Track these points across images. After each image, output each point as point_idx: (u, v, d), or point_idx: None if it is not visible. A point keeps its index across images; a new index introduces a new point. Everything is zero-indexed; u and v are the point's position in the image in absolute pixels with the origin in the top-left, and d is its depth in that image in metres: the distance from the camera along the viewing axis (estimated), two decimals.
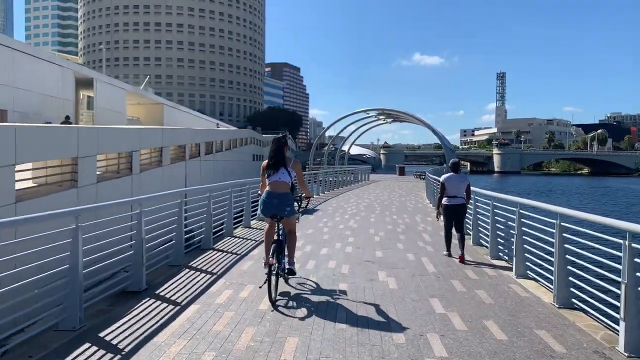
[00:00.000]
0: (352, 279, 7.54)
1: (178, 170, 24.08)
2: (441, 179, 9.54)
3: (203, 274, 7.71)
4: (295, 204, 7.14)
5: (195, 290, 6.80)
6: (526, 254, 7.70)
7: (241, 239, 11.00)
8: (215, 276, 7.59)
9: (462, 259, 8.79)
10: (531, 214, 7.79)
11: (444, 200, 9.35)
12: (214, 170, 31.32)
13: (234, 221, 11.88)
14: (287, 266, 6.58)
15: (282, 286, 6.83)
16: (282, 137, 6.86)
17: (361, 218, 15.56)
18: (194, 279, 7.42)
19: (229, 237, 11.09)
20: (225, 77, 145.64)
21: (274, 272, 6.23)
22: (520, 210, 7.86)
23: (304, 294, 6.72)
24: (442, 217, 9.57)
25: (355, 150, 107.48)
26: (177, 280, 7.30)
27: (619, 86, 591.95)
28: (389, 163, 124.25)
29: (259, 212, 6.97)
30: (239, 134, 45.83)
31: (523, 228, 7.76)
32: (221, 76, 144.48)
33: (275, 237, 6.55)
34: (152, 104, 43.18)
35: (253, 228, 12.82)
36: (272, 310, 5.89)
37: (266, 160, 6.71)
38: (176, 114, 45.18)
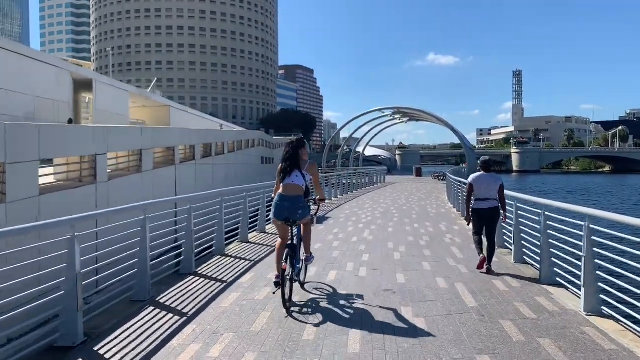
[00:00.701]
0: (368, 320, 5.64)
1: (165, 176, 21.63)
2: (469, 179, 8.45)
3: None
4: (312, 207, 6.97)
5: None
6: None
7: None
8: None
9: (488, 272, 7.85)
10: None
11: (473, 204, 8.31)
12: (212, 175, 28.99)
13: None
14: (302, 259, 6.70)
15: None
16: (298, 139, 6.77)
17: (377, 227, 13.65)
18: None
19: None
20: (237, 79, 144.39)
21: (288, 277, 6.10)
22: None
23: (320, 299, 6.55)
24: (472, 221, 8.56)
25: (370, 152, 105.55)
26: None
27: (638, 82, 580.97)
28: (405, 164, 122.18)
29: (271, 215, 6.71)
30: (245, 135, 43.35)
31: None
32: (233, 79, 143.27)
33: (289, 242, 6.37)
34: (159, 106, 41.78)
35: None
36: (286, 317, 5.71)
37: (281, 164, 6.61)
38: (183, 117, 43.67)
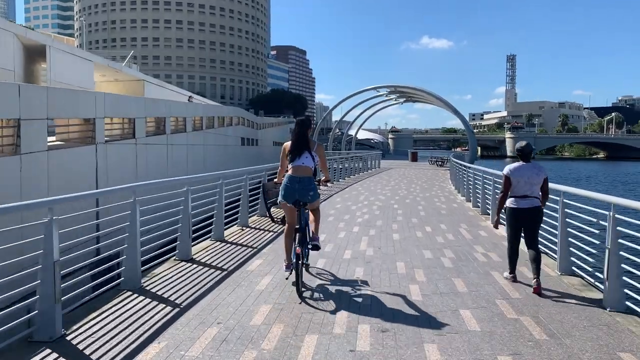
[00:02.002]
0: None
1: (73, 158, 15.19)
2: (505, 171, 6.61)
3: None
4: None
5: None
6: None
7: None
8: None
9: (537, 290, 6.02)
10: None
11: (510, 202, 6.53)
12: (167, 159, 23.20)
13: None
14: (310, 242, 6.34)
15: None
16: (306, 118, 6.62)
17: (378, 232, 10.25)
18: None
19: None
20: (227, 57, 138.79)
21: (300, 262, 5.85)
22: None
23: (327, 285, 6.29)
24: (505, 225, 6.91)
25: (362, 135, 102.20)
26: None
27: (629, 69, 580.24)
28: (398, 148, 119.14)
29: (279, 198, 6.29)
30: (219, 111, 37.59)
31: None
32: (222, 57, 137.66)
33: (298, 226, 6.07)
34: (132, 80, 38.04)
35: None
36: (300, 303, 5.48)
37: (288, 143, 6.42)
38: (162, 93, 39.85)
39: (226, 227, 9.65)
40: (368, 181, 24.98)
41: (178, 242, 7.56)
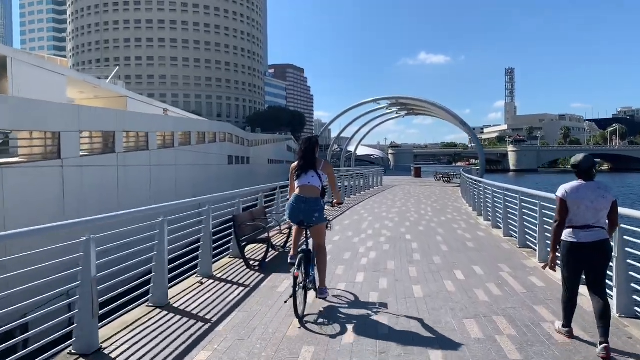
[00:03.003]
0: None
1: None
2: (559, 192, 4.92)
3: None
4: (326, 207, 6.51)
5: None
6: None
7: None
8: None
9: (606, 357, 4.35)
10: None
11: (567, 234, 4.86)
12: (119, 180, 19.00)
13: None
14: (318, 289, 6.17)
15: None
16: (313, 136, 6.53)
17: (392, 283, 7.30)
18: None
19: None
20: (223, 75, 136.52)
21: (301, 284, 5.61)
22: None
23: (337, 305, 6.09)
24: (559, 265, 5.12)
25: (362, 151, 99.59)
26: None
27: (627, 81, 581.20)
28: (398, 163, 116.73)
29: (285, 217, 6.34)
30: (198, 125, 33.62)
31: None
32: (218, 75, 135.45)
33: (304, 247, 6.04)
34: (114, 97, 35.31)
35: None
36: (299, 327, 5.25)
37: (295, 162, 6.33)
38: (147, 110, 37.11)
39: (178, 281, 7.17)
40: (371, 202, 22.12)
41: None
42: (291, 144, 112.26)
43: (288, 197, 6.48)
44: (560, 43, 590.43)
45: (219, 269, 8.16)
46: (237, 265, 8.46)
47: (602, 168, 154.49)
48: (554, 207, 5.32)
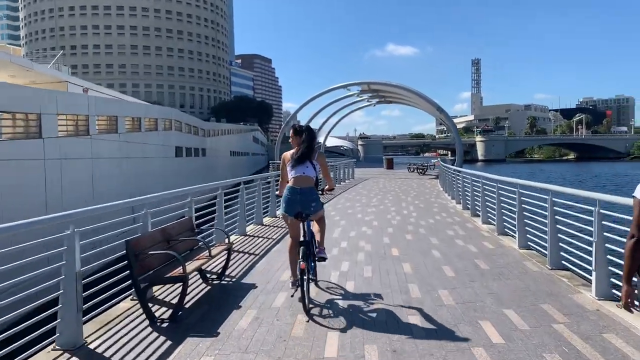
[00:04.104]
0: None
1: None
2: (638, 193, 2.91)
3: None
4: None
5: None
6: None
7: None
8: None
9: None
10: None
11: None
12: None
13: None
14: (317, 250, 6.17)
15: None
16: (311, 128, 6.45)
17: (382, 351, 4.45)
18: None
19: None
20: (186, 64, 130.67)
21: (306, 277, 5.55)
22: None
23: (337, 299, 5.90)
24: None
25: (331, 142, 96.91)
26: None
27: (588, 72, 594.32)
28: (368, 154, 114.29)
29: (281, 210, 6.06)
30: (132, 109, 27.80)
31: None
32: (181, 63, 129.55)
33: (302, 239, 5.89)
34: (53, 82, 31.43)
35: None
36: (308, 321, 5.11)
37: (288, 152, 6.19)
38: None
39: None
40: (343, 199, 19.19)
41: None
42: (258, 135, 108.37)
43: (278, 187, 6.48)
44: (525, 36, 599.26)
45: (102, 326, 5.13)
46: (134, 316, 5.39)
47: (569, 157, 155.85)
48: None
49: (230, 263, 7.58)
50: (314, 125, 61.29)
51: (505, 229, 10.42)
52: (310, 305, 5.51)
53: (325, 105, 43.75)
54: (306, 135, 6.09)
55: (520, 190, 9.06)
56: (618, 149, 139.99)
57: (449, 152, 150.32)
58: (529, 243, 8.89)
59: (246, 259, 8.37)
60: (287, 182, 6.03)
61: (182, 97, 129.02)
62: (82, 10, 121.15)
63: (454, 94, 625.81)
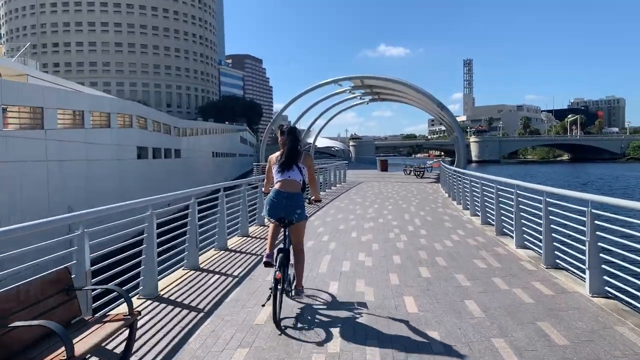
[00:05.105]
0: None
1: None
2: None
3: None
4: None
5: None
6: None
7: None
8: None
9: None
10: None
11: None
12: None
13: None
14: (294, 289, 5.81)
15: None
16: (296, 128, 6.26)
17: None
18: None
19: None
20: (172, 62, 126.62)
21: (280, 288, 5.24)
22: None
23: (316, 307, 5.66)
24: None
25: (322, 143, 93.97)
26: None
27: (579, 74, 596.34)
28: (360, 155, 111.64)
29: (264, 212, 5.89)
30: (71, 101, 23.38)
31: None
32: (167, 62, 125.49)
33: (282, 245, 5.64)
34: (11, 75, 28.34)
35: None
36: (280, 334, 4.84)
37: (274, 155, 6.01)
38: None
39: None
40: (333, 209, 16.16)
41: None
42: (246, 135, 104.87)
43: (264, 190, 6.42)
44: (516, 38, 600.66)
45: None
46: None
47: (563, 158, 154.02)
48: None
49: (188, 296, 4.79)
50: (303, 125, 58.29)
51: (557, 259, 7.48)
52: (282, 317, 5.22)
53: (314, 103, 40.67)
54: (289, 138, 5.87)
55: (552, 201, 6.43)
56: (613, 150, 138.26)
57: (443, 153, 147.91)
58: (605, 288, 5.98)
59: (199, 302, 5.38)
60: (272, 184, 5.89)
61: (168, 96, 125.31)
62: (65, 7, 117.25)
63: (445, 94, 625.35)
